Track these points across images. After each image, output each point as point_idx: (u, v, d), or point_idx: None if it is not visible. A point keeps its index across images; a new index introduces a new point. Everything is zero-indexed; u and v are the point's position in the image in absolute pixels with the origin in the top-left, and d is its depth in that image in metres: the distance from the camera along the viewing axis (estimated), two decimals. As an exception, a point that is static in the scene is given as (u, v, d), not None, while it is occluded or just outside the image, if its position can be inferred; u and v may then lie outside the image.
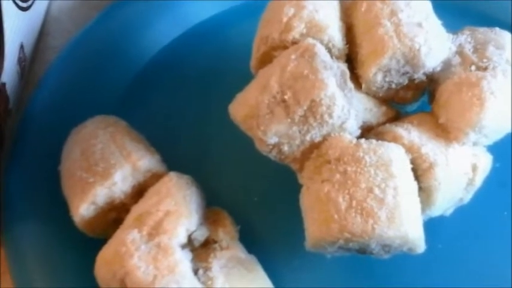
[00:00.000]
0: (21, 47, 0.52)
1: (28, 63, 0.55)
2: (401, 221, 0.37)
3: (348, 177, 0.38)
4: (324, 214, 0.37)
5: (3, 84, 0.47)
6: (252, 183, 0.49)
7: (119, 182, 0.42)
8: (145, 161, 0.43)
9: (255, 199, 0.48)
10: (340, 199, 0.37)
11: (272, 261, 0.43)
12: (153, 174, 0.44)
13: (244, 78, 0.50)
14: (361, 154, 0.38)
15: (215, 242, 0.42)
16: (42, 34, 0.59)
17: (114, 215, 0.43)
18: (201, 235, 0.41)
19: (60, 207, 0.45)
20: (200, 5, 0.59)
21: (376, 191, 0.37)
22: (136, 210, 0.41)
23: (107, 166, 0.42)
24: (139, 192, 0.43)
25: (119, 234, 0.40)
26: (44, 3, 0.59)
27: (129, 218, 0.41)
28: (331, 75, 0.39)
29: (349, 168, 0.38)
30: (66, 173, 0.45)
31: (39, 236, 0.46)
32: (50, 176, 0.47)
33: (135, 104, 0.54)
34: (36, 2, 0.54)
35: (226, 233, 0.42)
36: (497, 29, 0.46)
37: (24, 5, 0.51)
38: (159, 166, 0.44)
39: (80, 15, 0.60)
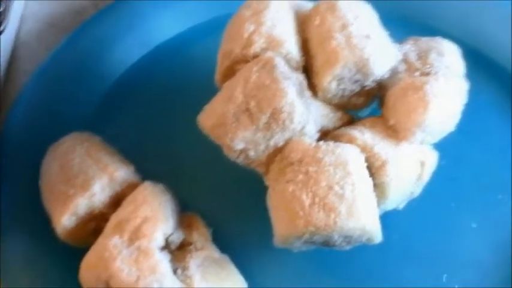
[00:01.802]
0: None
1: (1, 87, 0.57)
2: (360, 214, 0.40)
3: (310, 176, 0.41)
4: (290, 211, 0.41)
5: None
6: (221, 189, 0.52)
7: (97, 193, 0.45)
8: (121, 172, 0.46)
9: (224, 203, 0.51)
10: (304, 197, 0.41)
11: (243, 258, 0.46)
12: (129, 184, 0.47)
13: (208, 92, 0.54)
14: (321, 155, 0.42)
15: (190, 244, 0.45)
16: (13, 58, 0.61)
17: (94, 225, 0.46)
18: (177, 238, 0.44)
19: (42, 220, 0.47)
20: (164, 24, 0.62)
21: (336, 187, 0.41)
22: (115, 218, 0.44)
23: (86, 178, 0.45)
24: (116, 201, 0.46)
25: (101, 241, 0.43)
26: (13, 28, 0.61)
27: (109, 226, 0.44)
28: (291, 85, 0.43)
29: (310, 169, 0.41)
30: (47, 187, 0.47)
31: (22, 249, 0.48)
32: (30, 192, 0.49)
33: (106, 120, 0.57)
34: (7, 27, 0.56)
35: (200, 235, 0.45)
36: (438, 38, 0.50)
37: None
38: (134, 176, 0.47)
39: (48, 39, 0.63)
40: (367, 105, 0.49)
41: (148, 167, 0.49)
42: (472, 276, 0.47)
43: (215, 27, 0.57)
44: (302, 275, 0.48)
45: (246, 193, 0.50)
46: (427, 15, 0.60)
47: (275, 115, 0.42)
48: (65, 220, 0.45)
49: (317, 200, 0.40)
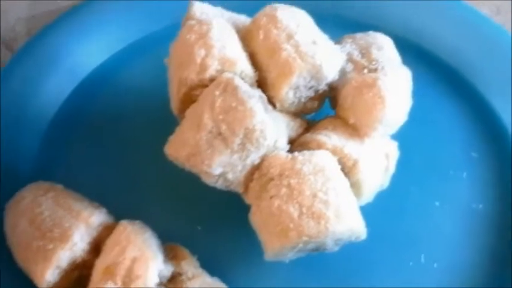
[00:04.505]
0: None
1: None
2: (347, 215, 0.42)
3: (293, 188, 0.42)
4: (280, 226, 0.42)
5: None
6: (193, 214, 0.52)
7: (78, 242, 0.44)
8: (95, 216, 0.46)
9: (198, 228, 0.51)
10: (291, 209, 0.42)
11: (232, 277, 0.47)
12: (105, 227, 0.46)
13: (147, 116, 0.54)
14: (299, 166, 0.43)
15: (181, 274, 0.45)
16: None
17: (77, 273, 0.45)
18: (167, 271, 0.44)
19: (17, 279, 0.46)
20: (87, 55, 0.62)
21: (320, 194, 0.42)
22: (101, 263, 0.43)
23: (63, 230, 0.44)
24: (95, 247, 0.45)
25: (93, 290, 0.42)
26: None
27: (97, 273, 0.43)
28: (257, 102, 0.44)
29: (292, 181, 0.42)
30: (20, 246, 0.45)
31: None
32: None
33: (52, 163, 0.55)
34: None
35: (189, 264, 0.45)
36: (371, 32, 0.53)
37: None
38: (108, 218, 0.47)
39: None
40: (320, 107, 0.50)
41: (114, 204, 0.48)
42: (447, 253, 0.50)
43: (140, 51, 0.62)
44: (292, 281, 0.49)
45: (217, 214, 0.51)
46: (356, 12, 0.64)
47: (248, 135, 0.43)
48: (48, 275, 0.43)
49: (304, 210, 0.42)
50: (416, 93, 0.49)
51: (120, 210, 0.48)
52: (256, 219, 0.44)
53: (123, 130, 0.57)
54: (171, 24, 0.52)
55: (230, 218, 0.50)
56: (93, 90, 0.61)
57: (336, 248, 0.45)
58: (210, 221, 0.51)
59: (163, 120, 0.48)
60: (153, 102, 0.57)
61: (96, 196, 0.48)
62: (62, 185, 0.49)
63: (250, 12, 0.51)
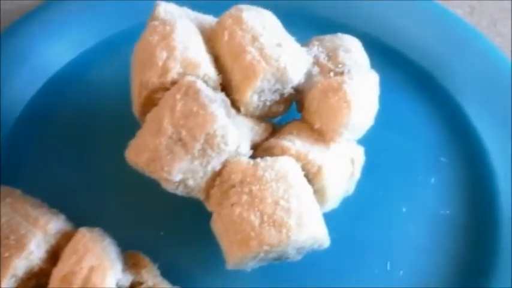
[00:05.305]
0: None
1: None
2: (309, 223, 0.41)
3: (255, 195, 0.41)
4: (240, 234, 0.41)
5: None
6: (155, 220, 0.51)
7: (34, 250, 0.43)
8: (53, 223, 0.44)
9: (161, 233, 0.50)
10: (252, 217, 0.41)
11: (194, 286, 0.47)
12: (63, 234, 0.44)
13: (114, 117, 0.53)
14: (261, 172, 0.42)
15: (141, 283, 0.44)
16: None
17: (34, 282, 0.43)
18: (126, 281, 0.43)
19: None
20: (56, 52, 0.60)
21: (282, 202, 0.41)
22: (58, 272, 0.42)
23: (19, 237, 0.43)
24: (53, 255, 0.44)
25: (49, 300, 0.41)
26: None
27: (54, 282, 0.41)
28: (218, 107, 0.42)
29: (253, 188, 0.41)
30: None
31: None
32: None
33: (17, 160, 0.54)
34: None
35: (149, 273, 0.44)
36: (339, 34, 0.52)
37: None
38: (66, 225, 0.45)
39: None
40: (286, 111, 0.49)
41: (75, 208, 0.48)
42: (413, 260, 0.49)
43: (105, 48, 0.61)
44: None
45: (184, 221, 0.50)
46: (326, 10, 0.63)
47: (209, 140, 0.42)
48: (4, 284, 0.42)
49: (266, 218, 0.41)
50: (385, 96, 0.49)
51: (82, 214, 0.47)
52: (217, 227, 0.43)
53: (88, 131, 0.56)
54: (142, 22, 0.51)
55: (194, 224, 0.49)
56: (61, 88, 0.59)
57: (299, 257, 0.44)
58: (173, 227, 0.50)
59: (130, 121, 0.47)
60: (122, 102, 0.54)
61: (58, 199, 0.47)
62: (21, 189, 0.47)
63: (218, 12, 0.50)
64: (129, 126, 0.46)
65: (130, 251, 0.46)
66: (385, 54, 0.59)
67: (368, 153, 0.49)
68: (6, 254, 0.42)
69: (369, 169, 0.49)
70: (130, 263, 0.45)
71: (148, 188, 0.46)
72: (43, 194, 0.48)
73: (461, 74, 0.59)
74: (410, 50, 0.61)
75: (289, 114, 0.50)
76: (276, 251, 0.41)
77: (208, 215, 0.44)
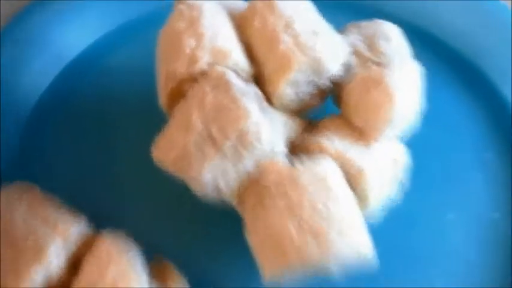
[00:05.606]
0: None
1: None
2: (351, 232, 0.37)
3: (292, 201, 0.37)
4: (276, 244, 0.37)
5: None
6: (185, 223, 0.47)
7: (54, 260, 0.39)
8: (74, 228, 0.41)
9: (190, 240, 0.46)
10: (290, 225, 0.37)
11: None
12: (85, 240, 0.41)
13: (136, 106, 0.51)
14: (299, 174, 0.38)
15: (166, 296, 0.41)
16: None
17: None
18: (151, 293, 0.40)
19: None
20: (73, 38, 0.58)
21: (321, 207, 0.37)
22: (79, 284, 0.38)
23: (36, 244, 0.39)
24: (73, 263, 0.40)
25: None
26: None
27: (75, 293, 0.38)
28: (251, 101, 0.39)
29: (290, 192, 0.38)
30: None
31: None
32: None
33: (31, 157, 0.51)
34: None
35: (176, 283, 0.41)
36: (378, 20, 0.48)
37: None
38: (88, 229, 0.42)
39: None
40: (321, 104, 0.46)
41: (96, 205, 0.45)
42: (458, 270, 0.45)
43: (127, 32, 0.58)
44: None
45: (218, 229, 0.46)
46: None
47: (241, 138, 0.38)
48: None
49: (304, 226, 0.36)
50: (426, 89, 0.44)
51: (102, 213, 0.44)
52: (251, 236, 0.39)
53: (109, 121, 0.53)
54: (165, 5, 0.48)
55: (228, 233, 0.44)
56: (79, 75, 0.56)
57: (341, 275, 0.39)
58: (204, 232, 0.46)
59: (153, 112, 0.44)
60: (143, 90, 0.51)
61: (75, 195, 0.44)
62: (35, 182, 0.43)
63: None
64: (152, 117, 0.43)
65: (157, 258, 0.42)
66: (424, 44, 0.55)
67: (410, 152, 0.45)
68: (23, 262, 0.39)
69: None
70: (155, 272, 0.41)
71: (176, 187, 0.41)
72: (59, 188, 0.44)
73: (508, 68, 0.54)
74: (455, 40, 0.57)
75: (322, 109, 0.46)
76: (315, 264, 0.37)
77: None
